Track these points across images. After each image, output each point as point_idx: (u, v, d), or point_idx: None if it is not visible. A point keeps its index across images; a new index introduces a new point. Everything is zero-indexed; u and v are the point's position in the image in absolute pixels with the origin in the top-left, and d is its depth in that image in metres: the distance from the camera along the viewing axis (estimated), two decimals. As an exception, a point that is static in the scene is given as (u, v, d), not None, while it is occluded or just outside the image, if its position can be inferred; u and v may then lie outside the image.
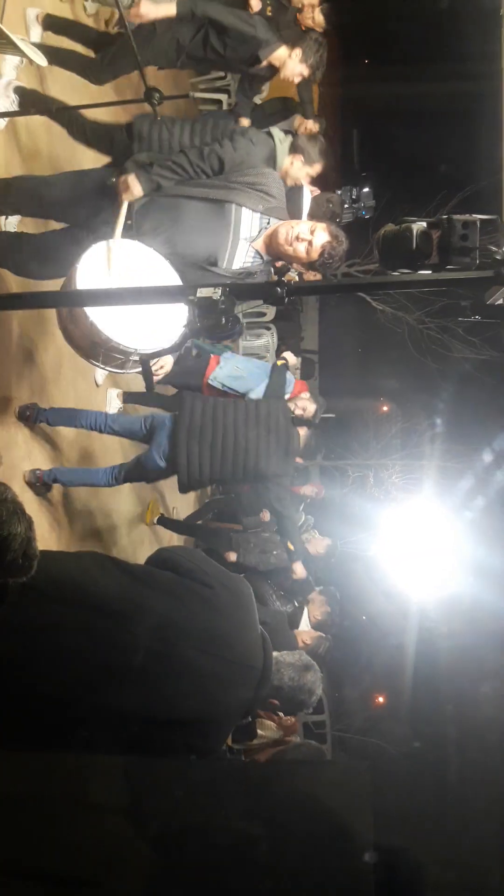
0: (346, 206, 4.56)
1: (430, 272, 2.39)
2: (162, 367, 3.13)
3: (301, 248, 3.03)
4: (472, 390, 12.12)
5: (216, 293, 1.97)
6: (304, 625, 4.83)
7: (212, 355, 5.42)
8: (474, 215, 2.40)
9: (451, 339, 11.17)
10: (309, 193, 4.29)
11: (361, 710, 13.20)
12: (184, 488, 4.31)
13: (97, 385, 5.24)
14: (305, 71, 4.25)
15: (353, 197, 4.61)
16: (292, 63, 4.19)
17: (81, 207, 3.13)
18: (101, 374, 5.03)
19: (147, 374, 2.39)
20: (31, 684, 1.89)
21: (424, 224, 2.46)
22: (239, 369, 5.37)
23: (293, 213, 4.05)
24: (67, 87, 4.67)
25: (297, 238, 3.03)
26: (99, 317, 2.56)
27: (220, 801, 1.80)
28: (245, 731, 3.23)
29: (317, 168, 3.97)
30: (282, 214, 3.18)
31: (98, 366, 2.79)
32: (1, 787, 1.58)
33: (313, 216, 4.09)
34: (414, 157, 12.31)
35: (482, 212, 2.70)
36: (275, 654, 2.28)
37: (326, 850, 1.74)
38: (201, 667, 2.05)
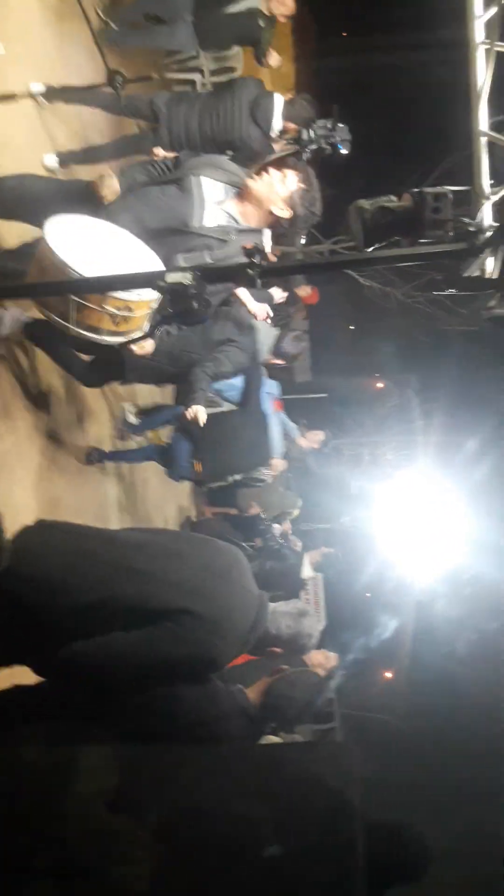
0: (322, 132, 4.41)
1: (404, 247, 2.37)
2: (143, 347, 3.17)
3: (276, 178, 3.01)
4: (463, 362, 12.09)
5: (186, 277, 1.94)
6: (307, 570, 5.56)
7: None
8: (445, 188, 2.38)
9: (439, 311, 11.12)
10: (281, 98, 4.26)
11: (368, 687, 13.29)
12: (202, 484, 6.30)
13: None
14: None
15: (329, 128, 4.46)
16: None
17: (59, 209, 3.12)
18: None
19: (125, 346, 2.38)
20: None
21: (395, 199, 2.44)
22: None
23: (265, 118, 4.24)
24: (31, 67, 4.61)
25: (268, 172, 3.03)
26: (57, 242, 2.40)
27: (221, 787, 1.82)
28: None
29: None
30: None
31: (68, 326, 2.45)
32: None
33: (289, 118, 4.30)
34: (393, 131, 12.20)
35: (459, 185, 2.66)
36: (271, 605, 2.35)
37: (319, 829, 1.76)
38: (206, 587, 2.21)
